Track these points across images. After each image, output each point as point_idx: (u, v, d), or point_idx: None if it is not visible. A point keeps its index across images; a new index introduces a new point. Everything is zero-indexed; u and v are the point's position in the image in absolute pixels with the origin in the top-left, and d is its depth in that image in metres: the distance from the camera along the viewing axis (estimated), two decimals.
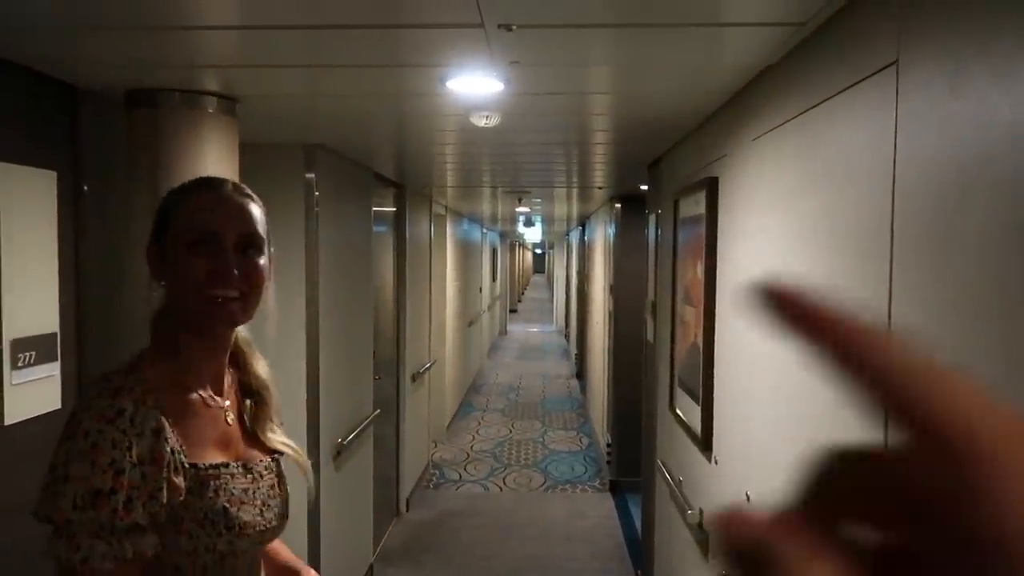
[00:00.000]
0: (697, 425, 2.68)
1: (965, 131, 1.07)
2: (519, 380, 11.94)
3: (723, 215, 2.48)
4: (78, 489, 0.99)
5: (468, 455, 7.58)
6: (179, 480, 1.07)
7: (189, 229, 1.15)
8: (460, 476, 6.89)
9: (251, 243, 1.18)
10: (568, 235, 13.89)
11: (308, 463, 1.37)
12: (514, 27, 1.71)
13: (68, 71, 2.15)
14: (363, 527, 4.53)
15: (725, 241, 2.46)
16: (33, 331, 2.03)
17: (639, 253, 4.83)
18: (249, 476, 1.19)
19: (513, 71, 2.11)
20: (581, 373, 10.84)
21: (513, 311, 23.08)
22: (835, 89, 1.52)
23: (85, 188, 2.26)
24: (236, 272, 1.15)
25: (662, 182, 3.81)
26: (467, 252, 10.25)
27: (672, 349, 3.26)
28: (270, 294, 1.23)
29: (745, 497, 2.10)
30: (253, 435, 1.28)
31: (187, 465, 1.09)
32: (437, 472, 6.96)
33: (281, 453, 1.31)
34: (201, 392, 1.19)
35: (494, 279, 15.24)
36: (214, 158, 2.36)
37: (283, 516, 1.26)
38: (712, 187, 2.55)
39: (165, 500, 1.05)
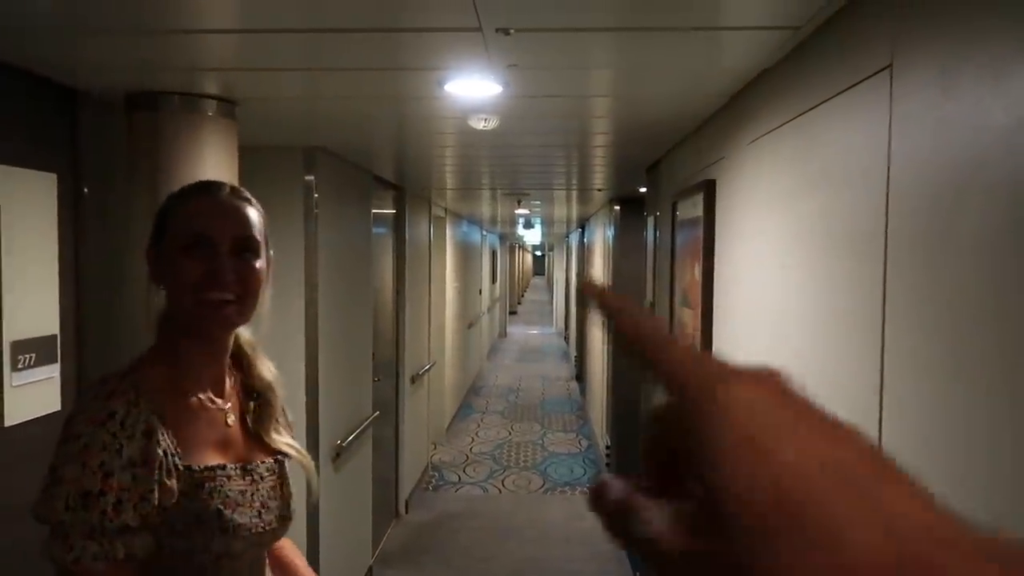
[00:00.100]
0: None
1: (959, 133, 1.07)
2: (519, 382, 11.93)
3: (721, 217, 2.49)
4: (70, 491, 1.01)
5: (467, 457, 7.57)
6: (172, 482, 1.07)
7: (185, 232, 1.16)
8: (459, 478, 6.89)
9: (247, 246, 1.19)
10: (568, 237, 13.88)
11: (312, 465, 1.37)
12: (512, 31, 1.72)
13: (68, 74, 2.16)
14: (362, 529, 4.53)
15: (723, 243, 2.47)
16: (33, 333, 2.04)
17: (638, 255, 4.83)
18: (248, 478, 1.20)
19: (511, 74, 2.11)
20: (581, 375, 10.82)
21: (513, 313, 23.08)
22: (831, 92, 1.53)
23: (85, 191, 2.27)
24: (231, 275, 1.15)
25: (661, 184, 3.82)
26: (467, 254, 10.25)
27: None
28: (267, 296, 1.23)
29: None
30: (257, 437, 1.28)
31: (181, 467, 1.10)
32: (436, 474, 6.96)
33: (285, 454, 1.31)
34: (200, 394, 1.20)
35: (494, 281, 15.23)
36: (214, 161, 2.36)
37: (284, 518, 1.26)
38: (710, 189, 2.56)
39: (157, 502, 1.05)
